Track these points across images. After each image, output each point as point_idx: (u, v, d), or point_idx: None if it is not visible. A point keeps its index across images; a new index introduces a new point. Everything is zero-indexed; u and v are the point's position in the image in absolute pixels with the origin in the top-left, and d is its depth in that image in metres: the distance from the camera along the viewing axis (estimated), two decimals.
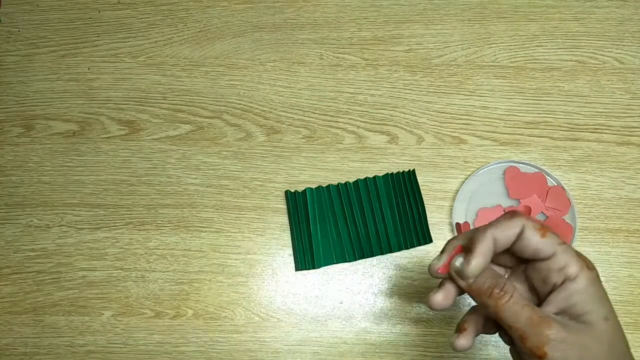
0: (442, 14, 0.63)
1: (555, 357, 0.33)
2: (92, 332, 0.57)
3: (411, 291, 0.57)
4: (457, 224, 0.57)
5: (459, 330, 0.38)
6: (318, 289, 0.57)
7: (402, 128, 0.60)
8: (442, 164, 0.59)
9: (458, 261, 0.36)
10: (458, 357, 0.56)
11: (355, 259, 0.57)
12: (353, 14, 0.63)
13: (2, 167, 0.60)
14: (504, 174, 0.58)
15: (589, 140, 0.60)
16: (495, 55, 0.62)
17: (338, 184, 0.59)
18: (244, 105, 0.61)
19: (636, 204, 0.58)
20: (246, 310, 0.57)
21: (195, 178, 0.60)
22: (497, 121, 0.60)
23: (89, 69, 0.62)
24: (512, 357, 0.38)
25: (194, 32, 0.63)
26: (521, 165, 0.58)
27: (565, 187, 0.57)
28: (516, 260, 0.38)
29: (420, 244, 0.58)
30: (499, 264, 0.39)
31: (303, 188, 0.58)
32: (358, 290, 0.57)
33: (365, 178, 0.58)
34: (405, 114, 0.61)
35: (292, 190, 0.59)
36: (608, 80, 0.61)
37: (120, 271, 0.58)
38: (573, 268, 0.35)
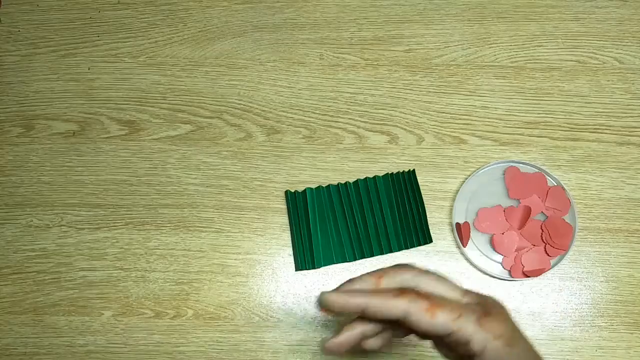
0: (442, 14, 0.63)
1: None
2: (92, 332, 0.57)
3: None
4: (457, 224, 0.57)
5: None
6: (318, 289, 0.57)
7: (402, 128, 0.60)
8: (442, 164, 0.59)
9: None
10: None
11: (355, 259, 0.57)
12: (353, 14, 0.63)
13: (2, 167, 0.60)
14: (504, 174, 0.58)
15: (589, 140, 0.60)
16: (495, 55, 0.62)
17: (338, 184, 0.59)
18: (244, 105, 0.61)
19: (636, 204, 0.58)
20: (246, 310, 0.57)
21: (195, 178, 0.60)
22: (497, 121, 0.60)
23: (89, 69, 0.62)
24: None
25: (194, 32, 0.63)
26: (521, 165, 0.58)
27: (565, 187, 0.57)
28: None
29: (420, 244, 0.58)
30: None
31: (303, 188, 0.58)
32: None
33: (365, 178, 0.58)
34: (405, 114, 0.61)
35: (292, 190, 0.59)
36: (608, 80, 0.61)
37: (120, 271, 0.58)
38: (476, 345, 0.32)
